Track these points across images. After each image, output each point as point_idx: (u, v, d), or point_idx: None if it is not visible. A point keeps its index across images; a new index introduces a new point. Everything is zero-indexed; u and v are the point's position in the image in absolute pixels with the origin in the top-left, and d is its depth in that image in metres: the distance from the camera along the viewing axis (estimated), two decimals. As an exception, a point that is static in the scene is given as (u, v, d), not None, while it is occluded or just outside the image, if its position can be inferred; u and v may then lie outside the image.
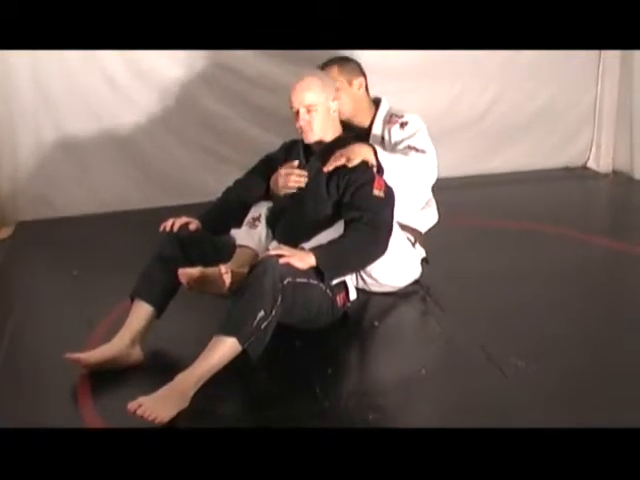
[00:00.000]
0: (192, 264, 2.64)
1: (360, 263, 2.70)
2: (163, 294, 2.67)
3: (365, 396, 2.44)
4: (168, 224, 2.79)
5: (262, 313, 2.34)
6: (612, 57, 4.51)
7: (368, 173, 2.73)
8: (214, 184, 4.16)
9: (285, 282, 2.41)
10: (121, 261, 3.51)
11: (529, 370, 2.50)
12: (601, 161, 4.67)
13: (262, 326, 2.34)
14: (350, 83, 3.07)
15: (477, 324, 2.85)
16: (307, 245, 2.65)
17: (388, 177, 2.78)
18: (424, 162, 2.92)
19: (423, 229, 3.16)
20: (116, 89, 4.01)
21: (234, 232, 2.86)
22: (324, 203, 2.75)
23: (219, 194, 4.11)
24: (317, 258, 2.51)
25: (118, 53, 3.93)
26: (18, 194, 4.04)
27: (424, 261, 3.14)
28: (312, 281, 2.53)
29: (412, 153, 2.92)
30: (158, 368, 2.61)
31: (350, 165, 2.69)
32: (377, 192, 2.69)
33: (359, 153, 2.74)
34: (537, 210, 4.14)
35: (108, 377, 2.52)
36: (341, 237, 2.63)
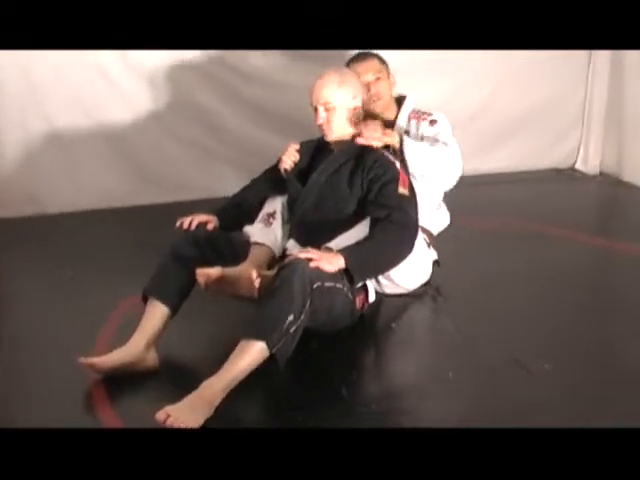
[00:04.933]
0: (208, 263, 2.57)
1: (389, 264, 2.63)
2: (178, 294, 2.58)
3: (394, 399, 2.40)
4: (186, 221, 2.70)
5: (291, 317, 2.26)
6: (602, 59, 4.54)
7: (392, 170, 2.68)
8: (206, 181, 4.15)
9: (314, 286, 2.34)
10: (113, 260, 3.41)
11: (554, 372, 2.49)
12: (589, 163, 4.70)
13: (291, 330, 2.27)
14: (389, 75, 3.10)
15: (491, 324, 2.83)
16: (330, 245, 2.56)
17: (415, 163, 2.81)
18: (450, 153, 2.93)
19: (435, 231, 3.13)
20: (106, 82, 3.90)
21: (248, 229, 2.76)
22: (346, 201, 2.68)
23: (211, 191, 4.10)
24: (346, 260, 2.44)
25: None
26: (2, 190, 3.87)
27: (436, 263, 3.10)
28: (338, 285, 2.46)
29: (439, 145, 2.93)
30: (173, 371, 2.53)
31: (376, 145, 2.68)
32: (402, 190, 2.64)
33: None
34: (526, 211, 4.14)
35: (123, 382, 2.42)
36: (369, 238, 2.56)
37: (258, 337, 2.24)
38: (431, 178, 2.94)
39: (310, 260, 2.37)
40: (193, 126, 4.08)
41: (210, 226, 2.71)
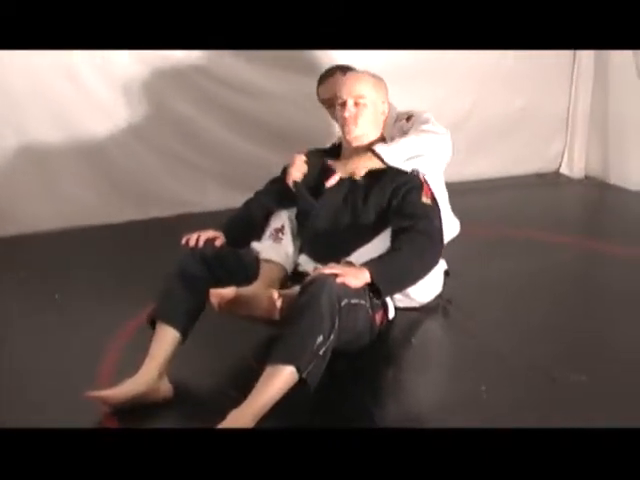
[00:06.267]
0: (217, 282, 2.41)
1: (416, 276, 2.50)
2: (188, 317, 2.40)
3: (426, 417, 2.30)
4: (193, 238, 2.52)
5: (321, 338, 2.12)
6: (585, 62, 4.51)
7: (415, 178, 2.58)
8: (189, 195, 3.98)
9: (342, 304, 2.19)
10: (99, 280, 3.22)
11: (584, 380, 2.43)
12: (574, 167, 4.66)
13: (320, 352, 2.12)
14: None
15: (512, 335, 2.75)
16: (350, 259, 2.43)
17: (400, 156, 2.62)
18: (437, 140, 2.77)
19: (445, 240, 3.01)
20: (83, 94, 3.69)
21: (256, 245, 2.61)
22: (365, 214, 2.56)
23: (196, 205, 3.93)
24: (372, 274, 2.30)
25: (86, 55, 3.62)
26: (-26, 208, 3.64)
27: (445, 273, 2.99)
28: (362, 301, 2.33)
29: (423, 135, 2.76)
30: (188, 401, 2.34)
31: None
32: (425, 199, 2.54)
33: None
34: (516, 217, 4.09)
35: (136, 414, 2.22)
36: (393, 249, 2.43)
37: (287, 361, 2.09)
38: (423, 160, 2.72)
39: (336, 276, 2.23)
40: (174, 138, 3.90)
41: (218, 242, 2.55)
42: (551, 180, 4.68)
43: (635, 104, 4.25)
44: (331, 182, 2.60)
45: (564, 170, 4.71)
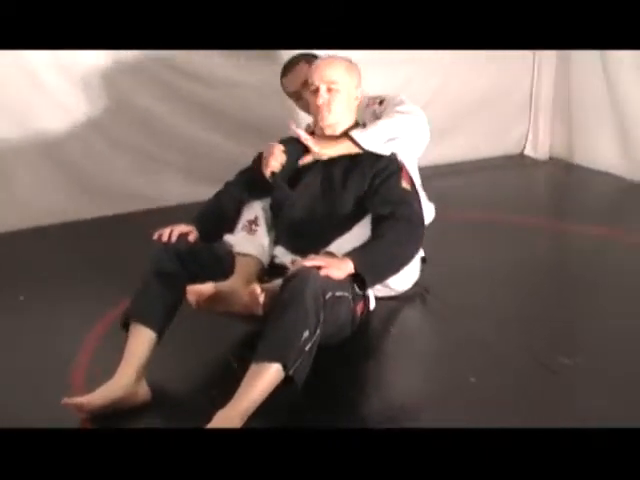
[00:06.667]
0: (193, 278, 2.33)
1: (400, 264, 2.43)
2: (164, 316, 2.32)
3: (415, 413, 2.23)
4: (165, 234, 2.42)
5: (307, 334, 2.05)
6: (547, 43, 4.50)
7: (394, 163, 2.52)
8: (153, 190, 3.87)
9: (327, 297, 2.13)
10: (65, 280, 3.12)
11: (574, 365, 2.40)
12: (539, 148, 4.65)
13: (306, 348, 2.05)
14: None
15: (492, 323, 2.70)
16: (330, 250, 2.37)
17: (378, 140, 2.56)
18: (414, 121, 2.71)
19: (424, 225, 2.97)
20: (40, 87, 3.55)
21: (229, 238, 2.51)
22: (342, 202, 2.48)
23: (161, 200, 3.82)
24: (355, 264, 2.23)
25: (42, 50, 3.45)
26: None
27: (422, 260, 2.94)
28: (345, 293, 2.26)
29: (398, 116, 2.70)
30: (168, 404, 2.26)
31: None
32: (404, 184, 2.48)
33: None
34: (485, 200, 4.06)
35: (113, 421, 2.13)
36: (375, 237, 2.37)
37: (273, 359, 2.02)
38: (400, 143, 2.66)
39: (319, 268, 2.16)
40: (137, 132, 3.78)
41: (192, 237, 2.46)
42: (517, 162, 4.66)
43: (597, 85, 4.24)
44: (304, 160, 2.52)
45: (529, 152, 4.70)
